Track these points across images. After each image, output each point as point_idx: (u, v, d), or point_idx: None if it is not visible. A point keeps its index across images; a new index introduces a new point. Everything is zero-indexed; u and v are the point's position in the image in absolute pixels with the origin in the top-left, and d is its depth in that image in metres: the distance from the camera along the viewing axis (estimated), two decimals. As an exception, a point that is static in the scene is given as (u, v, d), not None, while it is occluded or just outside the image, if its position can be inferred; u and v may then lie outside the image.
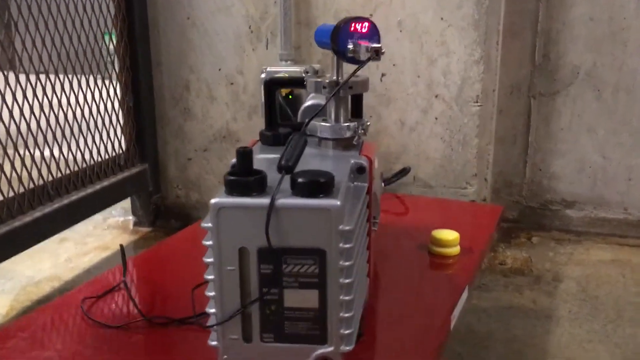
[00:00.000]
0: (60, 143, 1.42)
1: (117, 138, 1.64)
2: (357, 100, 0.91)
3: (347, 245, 0.63)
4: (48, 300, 1.34)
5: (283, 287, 0.64)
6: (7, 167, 1.26)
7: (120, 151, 1.64)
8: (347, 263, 0.64)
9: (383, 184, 1.37)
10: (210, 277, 0.65)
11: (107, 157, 1.60)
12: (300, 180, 0.63)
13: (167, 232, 1.67)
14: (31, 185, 1.34)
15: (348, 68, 0.80)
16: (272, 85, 0.90)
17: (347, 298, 0.64)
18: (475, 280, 1.11)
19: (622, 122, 1.64)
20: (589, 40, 1.61)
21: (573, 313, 1.26)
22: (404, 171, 1.51)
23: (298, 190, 0.63)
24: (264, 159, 0.74)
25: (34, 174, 1.34)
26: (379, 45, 0.74)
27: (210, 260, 0.64)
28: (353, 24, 0.74)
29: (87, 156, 1.51)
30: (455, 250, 1.09)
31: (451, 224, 1.23)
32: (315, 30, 0.85)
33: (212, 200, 0.63)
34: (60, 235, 1.54)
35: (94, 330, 0.83)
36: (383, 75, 1.52)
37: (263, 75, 1.48)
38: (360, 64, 0.76)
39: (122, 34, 1.59)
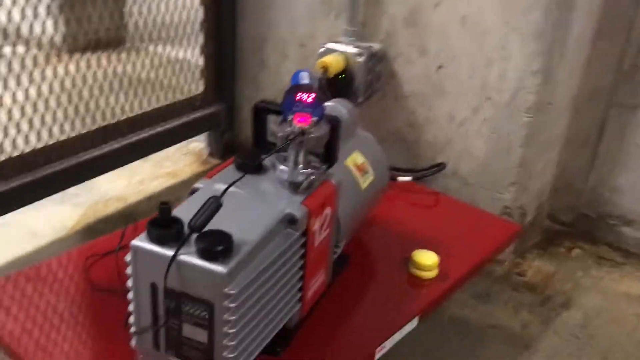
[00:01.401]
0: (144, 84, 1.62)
1: (195, 81, 1.79)
2: (329, 147, 0.95)
3: (232, 305, 0.74)
4: (109, 221, 1.59)
5: (182, 321, 0.78)
6: (112, 99, 1.48)
7: (199, 92, 1.81)
8: (231, 318, 0.75)
9: (410, 177, 1.42)
10: (130, 296, 0.80)
11: (188, 96, 1.78)
12: (199, 244, 0.74)
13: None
14: (124, 116, 1.58)
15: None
16: (261, 111, 0.98)
17: (230, 343, 0.77)
18: (444, 306, 1.16)
19: None
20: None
21: (554, 349, 1.27)
22: (439, 166, 1.53)
23: (198, 251, 0.74)
24: (217, 189, 0.85)
25: (127, 106, 1.56)
26: (302, 126, 0.79)
27: (129, 284, 0.79)
28: (300, 94, 0.79)
29: (169, 95, 1.70)
30: (431, 274, 1.15)
31: (451, 235, 1.27)
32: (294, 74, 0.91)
33: (132, 242, 0.77)
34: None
35: (87, 291, 1.03)
36: (440, 66, 1.49)
37: (322, 50, 1.53)
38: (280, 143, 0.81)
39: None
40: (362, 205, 1.11)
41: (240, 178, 0.84)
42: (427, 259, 1.15)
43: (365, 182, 1.11)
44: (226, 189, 0.78)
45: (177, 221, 0.77)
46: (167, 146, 1.80)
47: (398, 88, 1.57)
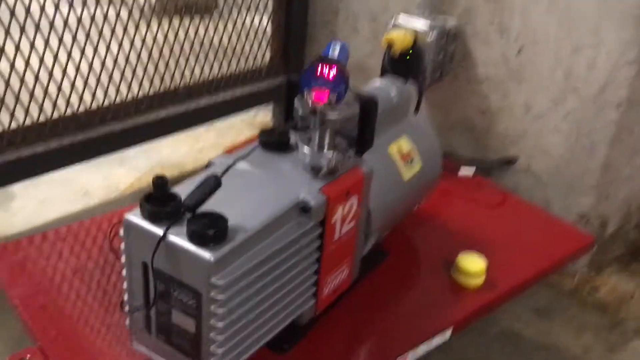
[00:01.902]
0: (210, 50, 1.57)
1: (262, 50, 1.72)
2: (362, 130, 0.85)
3: (220, 297, 0.67)
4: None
5: (171, 306, 0.72)
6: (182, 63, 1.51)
7: (264, 62, 1.74)
8: (219, 310, 0.68)
9: (472, 171, 1.29)
10: (124, 273, 0.75)
11: (253, 66, 1.71)
12: (190, 226, 0.67)
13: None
14: (191, 82, 1.57)
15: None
16: (294, 86, 0.89)
17: (218, 337, 0.69)
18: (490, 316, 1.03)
19: None
20: None
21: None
22: (509, 161, 1.38)
23: (189, 233, 0.67)
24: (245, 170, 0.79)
25: (194, 72, 1.55)
26: (318, 104, 0.69)
27: (123, 260, 0.74)
28: (321, 67, 0.70)
29: (233, 63, 1.64)
30: (477, 281, 1.03)
31: (509, 240, 1.14)
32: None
33: (125, 216, 0.71)
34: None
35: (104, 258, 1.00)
36: (520, 50, 1.33)
37: (390, 24, 1.41)
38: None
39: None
40: (403, 197, 1.00)
41: (247, 155, 0.76)
42: (472, 264, 1.02)
43: (409, 172, 1.00)
44: (227, 169, 0.71)
45: (175, 198, 0.70)
46: (230, 114, 1.75)
47: (472, 71, 1.43)
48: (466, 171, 1.32)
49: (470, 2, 1.38)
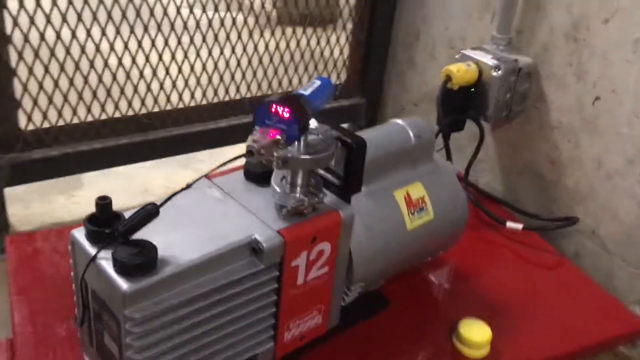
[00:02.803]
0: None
1: (337, 69, 1.68)
2: (347, 172, 0.78)
3: (136, 330, 0.65)
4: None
5: (103, 328, 0.71)
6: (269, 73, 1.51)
7: (338, 82, 1.70)
8: (136, 343, 0.66)
9: (521, 226, 1.17)
10: (73, 286, 0.75)
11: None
12: (117, 253, 0.65)
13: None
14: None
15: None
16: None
17: (136, 370, 0.67)
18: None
19: None
20: None
21: None
22: (568, 220, 1.23)
23: (113, 259, 0.65)
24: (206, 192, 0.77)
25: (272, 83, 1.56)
26: (256, 146, 0.63)
27: (72, 274, 0.74)
28: (274, 106, 0.65)
29: (304, 79, 1.63)
30: (480, 353, 0.92)
31: (538, 312, 1.01)
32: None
33: (72, 231, 0.71)
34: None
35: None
36: (597, 98, 1.18)
37: (457, 56, 1.31)
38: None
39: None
40: (404, 247, 0.91)
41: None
42: (474, 332, 0.92)
43: (415, 221, 0.91)
44: (168, 199, 0.68)
45: (119, 220, 0.69)
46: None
47: (545, 115, 1.29)
48: (514, 224, 1.20)
49: (548, 40, 1.24)
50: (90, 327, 0.74)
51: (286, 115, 0.65)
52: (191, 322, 0.70)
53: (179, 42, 1.40)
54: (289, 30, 1.58)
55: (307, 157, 0.72)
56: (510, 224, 1.20)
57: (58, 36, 1.25)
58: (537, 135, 1.31)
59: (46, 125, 1.32)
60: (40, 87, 1.27)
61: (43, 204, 1.54)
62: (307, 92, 0.69)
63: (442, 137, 1.23)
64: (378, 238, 0.87)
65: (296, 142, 0.73)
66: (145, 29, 1.35)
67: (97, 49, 1.30)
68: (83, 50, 1.28)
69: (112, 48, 1.31)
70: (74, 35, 1.26)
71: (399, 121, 0.94)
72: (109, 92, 1.36)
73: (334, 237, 0.78)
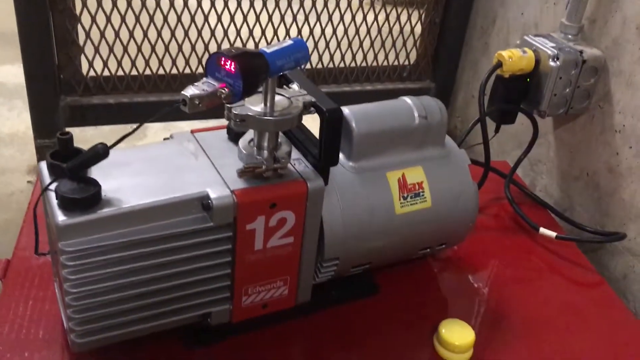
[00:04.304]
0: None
1: (406, 49, 1.60)
2: (322, 143, 0.74)
3: (70, 263, 0.67)
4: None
5: (57, 260, 0.73)
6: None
7: (408, 63, 1.63)
8: (71, 277, 0.67)
9: (554, 234, 1.07)
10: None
11: (395, 63, 1.62)
12: (59, 186, 0.67)
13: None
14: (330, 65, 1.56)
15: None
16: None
17: (74, 303, 0.69)
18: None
19: None
20: None
21: None
22: (613, 236, 1.10)
23: (56, 192, 0.67)
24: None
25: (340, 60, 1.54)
26: (188, 94, 0.61)
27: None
28: (222, 58, 0.63)
29: (369, 56, 1.57)
30: (459, 358, 0.85)
31: (545, 322, 0.92)
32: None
33: (40, 162, 0.74)
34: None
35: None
36: (665, 102, 1.03)
37: (518, 42, 1.20)
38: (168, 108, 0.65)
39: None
40: (390, 232, 0.86)
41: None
42: (457, 334, 0.85)
43: (407, 206, 0.85)
44: (120, 140, 0.68)
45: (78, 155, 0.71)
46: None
47: (608, 116, 1.15)
48: (547, 232, 1.09)
49: (619, 33, 1.10)
50: (53, 258, 0.77)
51: (233, 69, 0.63)
52: (132, 266, 0.70)
53: (239, 4, 1.41)
54: (369, 7, 1.53)
55: (266, 117, 0.69)
56: (543, 230, 1.09)
57: (121, -13, 1.30)
58: (598, 137, 1.18)
59: (106, 73, 1.39)
60: (102, 36, 1.34)
61: (106, 150, 1.63)
62: (268, 51, 0.66)
63: (481, 128, 1.14)
64: (357, 217, 0.82)
65: (262, 102, 0.71)
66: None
67: (158, 3, 1.34)
68: (144, 4, 1.33)
69: (172, 4, 1.35)
70: (136, -12, 1.31)
71: (407, 99, 0.88)
72: (167, 49, 1.40)
73: (299, 207, 0.75)
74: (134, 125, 0.67)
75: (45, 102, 1.37)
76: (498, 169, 1.24)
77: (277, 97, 0.72)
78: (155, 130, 1.67)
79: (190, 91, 0.61)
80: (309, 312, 0.88)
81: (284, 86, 0.77)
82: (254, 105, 0.71)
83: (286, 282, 0.81)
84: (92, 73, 1.38)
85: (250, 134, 0.76)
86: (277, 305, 0.83)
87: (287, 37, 1.49)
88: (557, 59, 1.11)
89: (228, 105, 0.70)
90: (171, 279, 0.73)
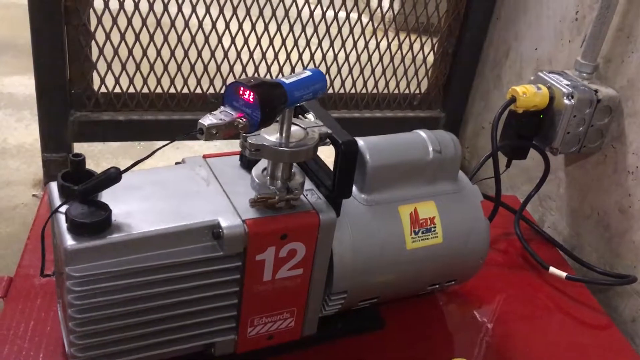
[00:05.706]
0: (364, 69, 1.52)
1: (417, 78, 1.60)
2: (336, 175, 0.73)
3: (76, 289, 0.65)
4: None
5: (62, 282, 0.72)
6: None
7: (419, 91, 1.63)
8: (76, 302, 0.66)
9: (564, 274, 1.06)
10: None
11: (407, 91, 1.62)
12: (71, 210, 0.66)
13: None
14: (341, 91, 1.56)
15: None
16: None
17: (77, 329, 0.68)
18: None
19: None
20: None
21: None
22: (626, 279, 1.08)
23: (66, 215, 0.66)
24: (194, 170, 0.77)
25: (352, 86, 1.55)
26: (206, 123, 0.60)
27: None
28: (241, 88, 0.62)
29: (381, 83, 1.57)
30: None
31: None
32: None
33: (50, 183, 0.73)
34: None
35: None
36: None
37: (532, 78, 1.20)
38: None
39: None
40: (400, 267, 0.84)
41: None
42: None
43: (418, 241, 0.84)
44: (134, 165, 0.68)
45: (90, 178, 0.70)
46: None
47: (621, 157, 1.14)
48: (557, 271, 1.07)
49: (636, 73, 1.10)
50: (58, 280, 0.76)
51: (251, 99, 0.62)
52: (139, 293, 0.69)
53: (254, 28, 1.41)
54: (382, 34, 1.53)
55: (281, 148, 0.68)
56: (553, 270, 1.08)
57: (136, 7, 1.30)
58: (611, 177, 1.17)
59: (117, 90, 1.39)
60: (115, 53, 1.34)
61: (111, 164, 1.63)
62: (287, 81, 0.65)
63: (493, 162, 1.13)
64: (368, 250, 0.81)
65: (278, 132, 0.70)
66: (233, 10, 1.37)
67: (172, 24, 1.34)
68: (159, 23, 1.33)
69: (186, 25, 1.35)
70: (151, 7, 1.31)
71: (422, 132, 0.87)
72: (179, 68, 1.40)
73: (310, 239, 0.74)
74: (142, 143, 0.66)
75: (54, 116, 1.37)
76: (507, 203, 1.23)
77: (293, 128, 0.71)
78: (163, 149, 1.66)
79: (207, 120, 0.61)
80: (314, 344, 0.87)
81: (299, 116, 0.77)
82: (270, 135, 0.70)
83: (293, 313, 0.80)
84: (103, 89, 1.38)
85: (263, 162, 0.76)
86: (283, 337, 0.81)
87: (300, 62, 1.51)
88: (572, 97, 1.11)
89: (244, 135, 0.69)
90: (177, 307, 0.72)
